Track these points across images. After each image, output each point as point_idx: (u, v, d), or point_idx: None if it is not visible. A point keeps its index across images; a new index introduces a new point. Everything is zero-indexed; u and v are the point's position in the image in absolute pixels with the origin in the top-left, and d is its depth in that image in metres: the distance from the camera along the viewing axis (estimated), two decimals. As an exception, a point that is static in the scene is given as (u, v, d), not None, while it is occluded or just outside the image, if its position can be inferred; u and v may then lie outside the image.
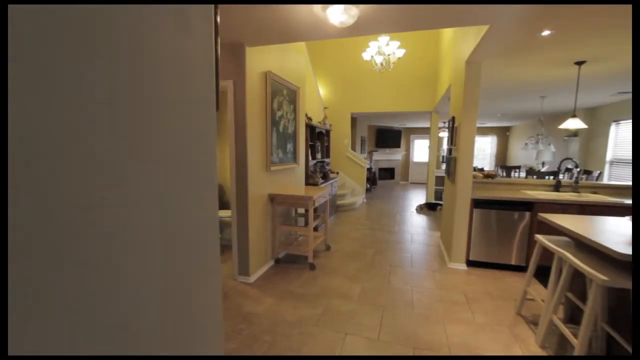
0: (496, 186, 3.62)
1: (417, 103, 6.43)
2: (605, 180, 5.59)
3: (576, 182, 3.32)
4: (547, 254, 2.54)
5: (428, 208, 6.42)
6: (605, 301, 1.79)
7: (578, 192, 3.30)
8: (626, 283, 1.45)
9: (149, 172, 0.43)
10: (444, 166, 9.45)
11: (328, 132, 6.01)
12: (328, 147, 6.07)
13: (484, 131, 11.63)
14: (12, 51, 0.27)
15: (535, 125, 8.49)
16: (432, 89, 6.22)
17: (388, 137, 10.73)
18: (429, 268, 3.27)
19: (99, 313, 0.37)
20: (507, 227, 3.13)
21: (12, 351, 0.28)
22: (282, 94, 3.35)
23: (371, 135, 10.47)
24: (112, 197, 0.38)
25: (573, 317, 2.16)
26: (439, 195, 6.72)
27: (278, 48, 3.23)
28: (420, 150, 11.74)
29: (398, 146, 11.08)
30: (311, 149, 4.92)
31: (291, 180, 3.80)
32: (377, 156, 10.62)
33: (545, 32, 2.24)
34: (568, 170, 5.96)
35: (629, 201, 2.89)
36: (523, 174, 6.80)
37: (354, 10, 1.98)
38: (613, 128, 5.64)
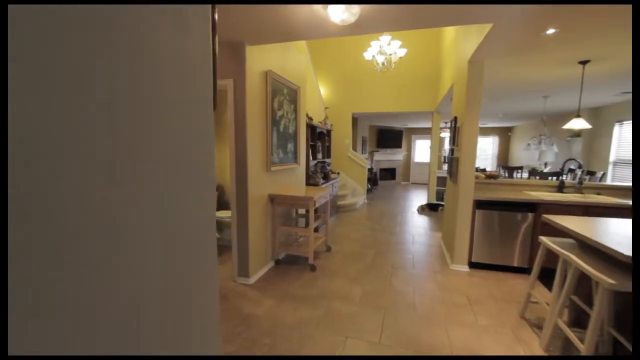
0: (499, 187, 3.59)
1: (419, 103, 6.39)
2: (608, 181, 5.54)
3: (580, 183, 3.28)
4: (551, 256, 2.50)
5: (429, 209, 6.38)
6: (612, 305, 1.75)
7: (582, 193, 3.26)
8: (634, 287, 1.41)
9: (149, 172, 0.43)
10: (445, 166, 9.43)
11: (329, 132, 5.98)
12: (329, 147, 6.04)
13: (485, 131, 11.58)
14: (12, 51, 0.27)
15: (537, 125, 8.44)
16: (434, 89, 6.18)
17: (389, 138, 10.69)
18: (430, 269, 3.24)
19: (99, 313, 0.37)
20: (510, 228, 3.09)
21: (12, 351, 0.28)
22: (283, 93, 3.32)
23: (372, 135, 10.44)
24: (112, 197, 0.38)
25: (578, 320, 2.12)
26: (440, 195, 6.68)
27: (279, 47, 3.20)
28: (422, 151, 11.70)
29: (399, 146, 11.04)
30: (312, 149, 4.89)
31: (292, 180, 3.77)
32: (378, 156, 10.58)
33: (550, 31, 2.21)
34: (571, 171, 5.92)
35: (634, 202, 2.84)
36: (525, 175, 6.75)
37: (355, 8, 1.95)
38: (616, 128, 5.59)
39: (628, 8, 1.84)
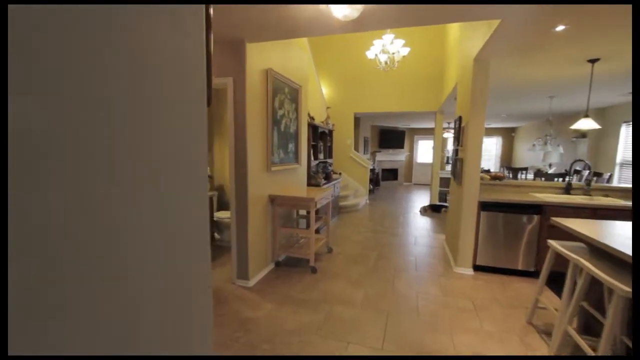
0: (504, 188, 3.51)
1: (422, 103, 6.32)
2: (615, 183, 5.45)
3: (588, 184, 3.20)
4: (558, 259, 2.42)
5: (432, 210, 6.30)
6: (626, 313, 1.68)
7: (590, 195, 3.18)
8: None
9: (149, 172, 0.43)
10: (448, 167, 9.33)
11: (331, 132, 5.90)
12: (331, 148, 5.96)
13: (489, 132, 11.48)
14: (12, 51, 0.27)
15: (541, 126, 8.34)
16: (437, 89, 6.10)
17: (391, 138, 10.62)
18: (434, 272, 3.17)
19: (99, 313, 0.37)
20: (515, 231, 3.01)
21: (12, 351, 0.28)
22: (284, 92, 3.26)
23: (374, 135, 10.36)
24: (112, 197, 0.38)
25: (587, 326, 2.04)
26: (443, 196, 6.60)
27: (280, 45, 3.14)
28: (424, 151, 11.62)
29: (401, 147, 10.96)
30: (313, 149, 4.82)
31: (293, 180, 3.71)
32: (380, 157, 10.51)
33: (560, 28, 2.13)
34: (577, 172, 5.81)
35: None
36: (530, 176, 6.65)
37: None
38: (624, 129, 5.49)
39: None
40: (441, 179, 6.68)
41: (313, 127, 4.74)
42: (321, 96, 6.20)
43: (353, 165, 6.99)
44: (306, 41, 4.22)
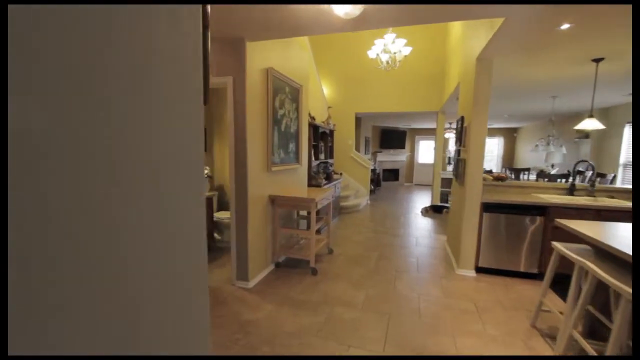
0: (507, 189, 3.47)
1: (423, 103, 6.28)
2: (618, 184, 5.40)
3: (592, 185, 3.17)
4: (562, 261, 2.39)
5: (433, 211, 6.27)
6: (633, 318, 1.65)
7: (594, 197, 3.14)
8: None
9: (149, 172, 0.44)
10: (449, 168, 9.30)
11: (332, 132, 5.88)
12: (331, 148, 5.94)
13: (490, 132, 11.43)
14: (12, 51, 0.27)
15: (544, 126, 8.29)
16: (439, 88, 6.06)
17: (392, 138, 10.59)
18: (435, 274, 3.14)
19: (99, 313, 0.37)
20: (518, 232, 2.98)
21: (12, 351, 0.28)
22: (284, 91, 3.24)
23: (375, 135, 10.33)
24: (112, 197, 0.38)
25: (593, 329, 2.01)
26: (444, 197, 6.57)
27: (280, 44, 3.12)
28: (425, 152, 11.58)
29: (403, 147, 10.93)
30: (314, 149, 4.80)
31: (293, 181, 3.68)
32: (381, 157, 10.48)
33: (565, 26, 2.10)
34: (580, 172, 5.77)
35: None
36: (532, 177, 6.61)
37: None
38: (627, 129, 5.45)
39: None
40: (442, 179, 6.65)
41: (314, 127, 4.72)
42: (322, 96, 6.17)
43: (354, 165, 6.96)
44: (307, 40, 4.19)
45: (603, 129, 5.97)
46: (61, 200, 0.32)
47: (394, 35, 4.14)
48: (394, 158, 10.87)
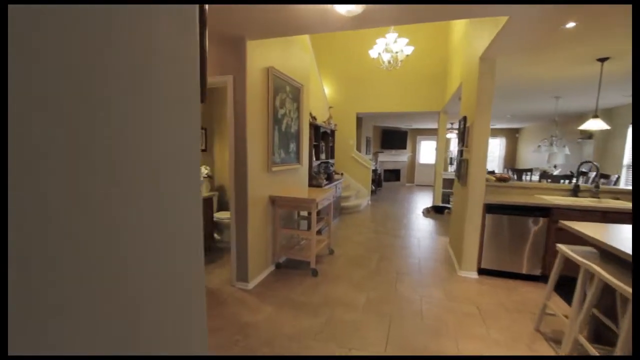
0: (509, 190, 3.44)
1: (425, 103, 6.25)
2: (622, 185, 5.35)
3: (597, 186, 3.13)
4: (567, 263, 2.36)
5: (435, 211, 6.24)
6: (638, 320, 1.61)
7: (598, 198, 3.11)
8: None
9: (149, 172, 0.44)
10: (451, 168, 9.25)
11: (333, 132, 5.85)
12: (332, 148, 5.91)
13: (492, 133, 11.36)
14: (12, 51, 0.27)
15: (546, 127, 8.24)
16: (441, 88, 6.03)
17: (394, 138, 10.55)
18: (437, 276, 3.11)
19: (99, 313, 0.37)
20: (521, 234, 2.95)
21: (12, 351, 0.28)
22: (285, 91, 3.21)
23: (377, 135, 10.30)
24: (112, 197, 0.38)
25: (598, 334, 1.98)
26: (446, 198, 6.53)
27: (281, 43, 3.09)
28: (427, 152, 11.54)
29: (404, 147, 10.90)
30: (315, 149, 4.77)
31: (294, 181, 3.66)
32: (382, 157, 10.45)
33: (570, 25, 2.07)
34: (583, 173, 5.72)
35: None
36: (535, 178, 6.55)
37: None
38: (630, 130, 5.40)
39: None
40: (444, 180, 6.61)
41: (315, 127, 4.69)
42: (323, 96, 6.14)
43: (355, 165, 6.93)
44: (308, 40, 4.16)
45: (607, 130, 5.94)
46: (61, 200, 0.32)
47: (395, 34, 4.12)
48: (395, 158, 10.84)
